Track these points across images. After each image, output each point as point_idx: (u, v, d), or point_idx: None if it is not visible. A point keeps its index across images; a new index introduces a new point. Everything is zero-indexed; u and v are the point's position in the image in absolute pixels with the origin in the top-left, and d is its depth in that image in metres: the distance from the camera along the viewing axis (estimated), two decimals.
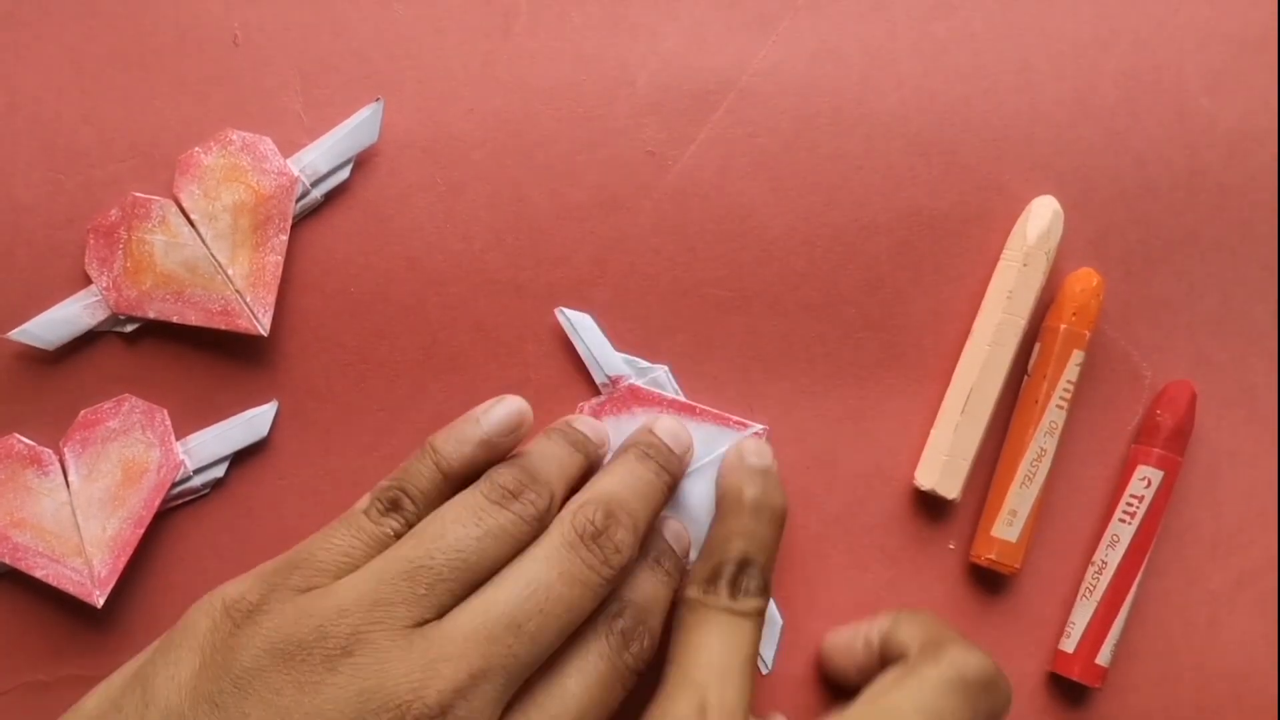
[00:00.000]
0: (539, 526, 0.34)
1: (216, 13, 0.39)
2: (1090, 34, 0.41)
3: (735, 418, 0.40)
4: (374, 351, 0.40)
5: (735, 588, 0.37)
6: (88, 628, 0.40)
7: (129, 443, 0.39)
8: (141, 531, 0.38)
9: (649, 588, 0.36)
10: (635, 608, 0.35)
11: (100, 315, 0.39)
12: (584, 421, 0.39)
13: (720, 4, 0.40)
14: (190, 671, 0.31)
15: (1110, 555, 0.41)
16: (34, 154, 0.39)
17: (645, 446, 0.37)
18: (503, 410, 0.36)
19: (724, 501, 0.38)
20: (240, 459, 0.40)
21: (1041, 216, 0.40)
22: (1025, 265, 0.40)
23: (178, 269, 0.38)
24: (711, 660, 0.35)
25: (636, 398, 0.40)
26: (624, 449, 0.38)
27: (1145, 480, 0.41)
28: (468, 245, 0.40)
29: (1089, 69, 0.41)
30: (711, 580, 0.37)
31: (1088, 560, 0.42)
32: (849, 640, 0.39)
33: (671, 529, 0.38)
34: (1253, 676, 0.42)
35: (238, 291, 0.38)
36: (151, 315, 0.38)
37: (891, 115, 0.40)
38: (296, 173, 0.39)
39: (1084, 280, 0.40)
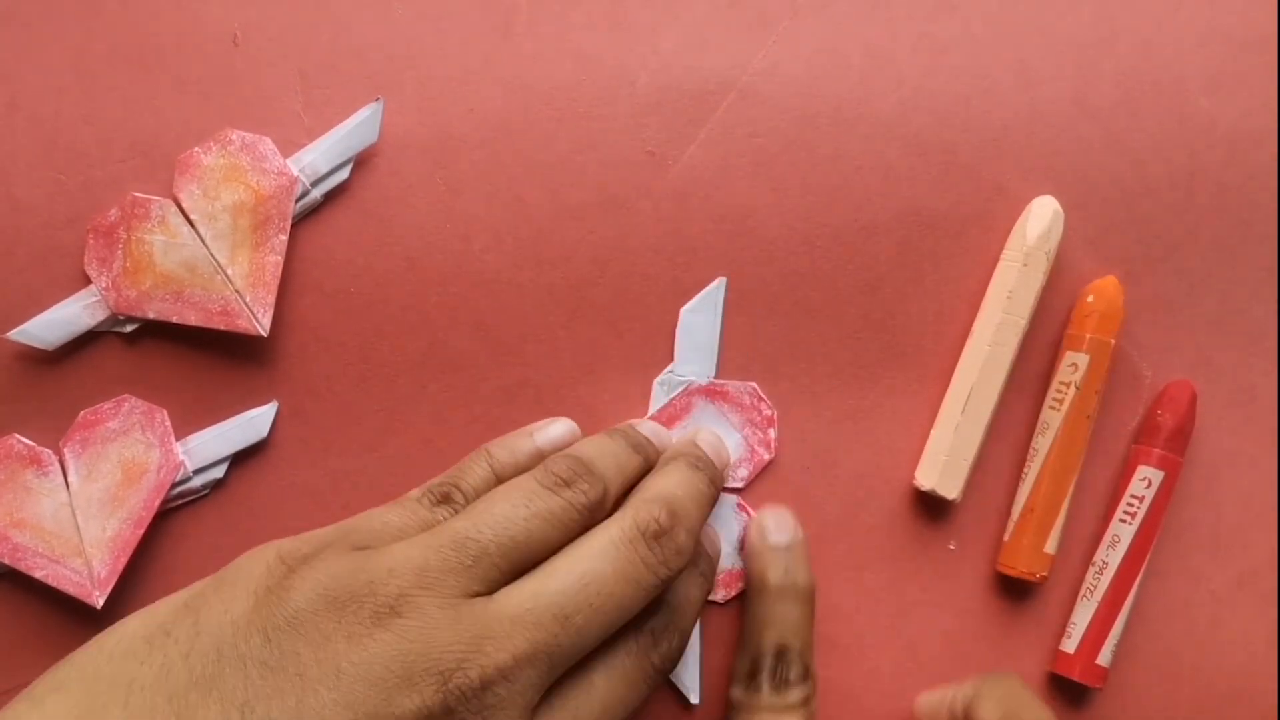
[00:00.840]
0: (590, 518, 0.34)
1: (217, 13, 0.39)
2: (1090, 34, 0.41)
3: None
4: (374, 351, 0.40)
5: (775, 679, 0.37)
6: (86, 628, 0.40)
7: (129, 443, 0.39)
8: (141, 532, 0.38)
9: (682, 589, 0.36)
10: (668, 607, 0.35)
11: (100, 315, 0.39)
12: (647, 425, 0.39)
13: (720, 4, 0.40)
14: (244, 609, 0.31)
15: (1111, 556, 0.41)
16: (34, 154, 0.39)
17: (695, 459, 0.37)
18: (556, 429, 0.39)
19: (750, 587, 0.39)
20: (240, 459, 0.40)
21: (1041, 216, 0.40)
22: (1025, 265, 0.40)
23: (177, 269, 0.38)
24: None
25: (707, 394, 0.41)
26: (673, 457, 0.38)
27: (1146, 481, 0.41)
28: (467, 245, 0.40)
29: (1088, 69, 0.41)
30: (752, 676, 0.38)
31: (1088, 560, 0.42)
32: (936, 707, 0.40)
33: (704, 533, 0.39)
34: (1253, 676, 0.42)
35: (237, 291, 0.38)
36: (151, 315, 0.38)
37: (891, 115, 0.40)
38: (296, 173, 0.39)
39: (1110, 287, 0.40)
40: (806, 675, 0.38)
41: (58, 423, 0.39)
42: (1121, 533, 0.41)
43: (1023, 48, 0.41)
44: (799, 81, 0.40)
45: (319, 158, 0.39)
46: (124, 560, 0.38)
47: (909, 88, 0.41)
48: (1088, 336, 0.40)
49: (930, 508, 0.41)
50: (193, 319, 0.38)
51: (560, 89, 0.40)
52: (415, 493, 0.35)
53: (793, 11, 0.40)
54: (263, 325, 0.38)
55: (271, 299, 0.38)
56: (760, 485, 0.41)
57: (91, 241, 0.38)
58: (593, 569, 0.32)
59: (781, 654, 0.37)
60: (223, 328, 0.38)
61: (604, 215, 0.40)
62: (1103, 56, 0.41)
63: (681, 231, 0.40)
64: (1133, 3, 0.41)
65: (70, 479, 0.39)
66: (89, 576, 0.38)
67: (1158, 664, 0.42)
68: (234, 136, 0.39)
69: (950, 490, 0.40)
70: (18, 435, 0.39)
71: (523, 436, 0.38)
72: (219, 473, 0.40)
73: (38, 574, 0.38)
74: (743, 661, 0.38)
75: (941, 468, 0.40)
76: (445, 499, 0.35)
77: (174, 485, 0.39)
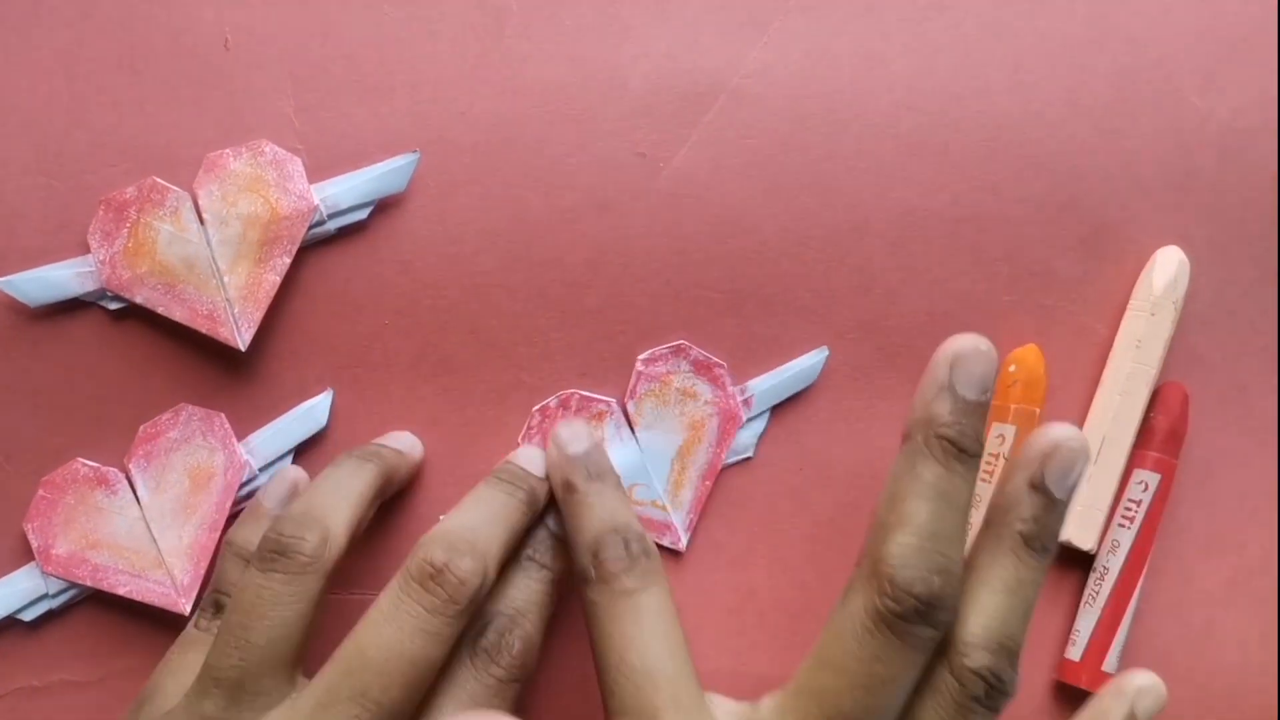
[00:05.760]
0: (319, 566, 0.33)
1: (208, 17, 0.39)
2: (1083, 33, 0.41)
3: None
4: (367, 355, 0.40)
5: (615, 560, 0.35)
6: (79, 633, 0.40)
7: (191, 450, 0.39)
8: (218, 535, 0.39)
9: (517, 591, 0.36)
10: (500, 617, 0.34)
11: (89, 286, 0.38)
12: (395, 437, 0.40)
13: (712, 6, 0.40)
14: None
15: (1111, 561, 0.41)
16: (25, 159, 0.39)
17: (496, 473, 0.37)
18: (278, 484, 0.38)
19: (560, 498, 0.37)
20: (303, 450, 0.40)
21: (1167, 266, 0.40)
22: (1153, 315, 0.40)
23: (176, 263, 0.38)
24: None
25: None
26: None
27: (1143, 484, 0.41)
28: (460, 247, 0.40)
29: (1081, 68, 0.41)
30: (592, 570, 0.35)
31: (1087, 565, 0.41)
32: None
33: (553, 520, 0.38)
34: (1250, 676, 0.42)
35: (228, 300, 0.38)
36: (138, 300, 0.38)
37: (884, 116, 0.40)
38: (317, 201, 0.39)
39: (1031, 356, 0.41)
40: (644, 551, 0.35)
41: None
42: (1121, 537, 0.41)
43: (1015, 48, 0.41)
44: (791, 83, 0.40)
45: (342, 193, 0.39)
46: (205, 565, 0.39)
47: (901, 88, 0.41)
48: (1012, 407, 0.40)
49: None
50: (178, 315, 0.38)
51: (552, 91, 0.40)
52: (192, 619, 0.36)
53: (784, 13, 0.40)
54: (243, 340, 0.38)
55: (259, 316, 0.38)
56: (753, 485, 0.41)
57: (101, 213, 0.38)
58: (375, 639, 0.31)
59: (608, 539, 0.35)
60: (204, 331, 0.38)
61: (596, 217, 0.40)
62: (1096, 56, 0.41)
63: (674, 233, 0.40)
64: (1125, 2, 0.41)
65: (140, 494, 0.39)
66: (173, 585, 0.38)
67: (1153, 664, 0.41)
68: (266, 149, 0.38)
69: (1086, 541, 0.40)
70: (82, 459, 0.39)
71: (253, 508, 0.38)
72: (284, 466, 0.40)
73: (121, 591, 0.39)
74: (580, 560, 0.35)
75: (1077, 519, 0.40)
76: (218, 609, 0.36)
77: (243, 485, 0.39)
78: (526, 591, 0.36)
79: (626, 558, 0.34)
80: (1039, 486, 0.32)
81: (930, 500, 0.31)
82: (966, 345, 0.33)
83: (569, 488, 0.36)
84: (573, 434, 0.37)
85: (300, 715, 0.31)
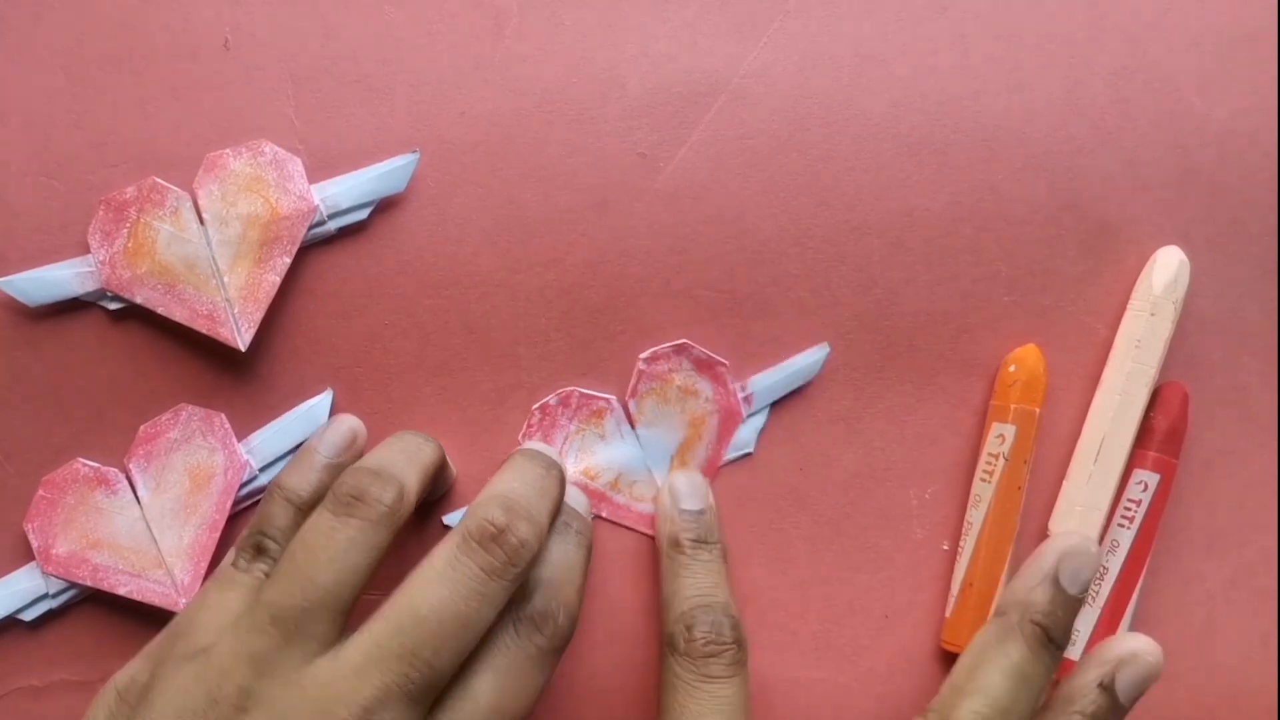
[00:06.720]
0: (393, 521, 0.33)
1: (208, 17, 0.39)
2: (1081, 33, 0.41)
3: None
4: (367, 355, 0.40)
5: (703, 645, 0.36)
6: (79, 633, 0.40)
7: (191, 450, 0.39)
8: (218, 535, 0.39)
9: (559, 559, 0.35)
10: (546, 585, 0.34)
11: (89, 286, 0.39)
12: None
13: (711, 6, 0.40)
14: None
15: (1111, 561, 0.41)
16: (26, 159, 0.39)
17: (525, 453, 0.37)
18: (335, 431, 0.38)
19: (664, 552, 0.39)
20: None
21: (1167, 266, 0.40)
22: (1153, 315, 0.40)
23: (176, 263, 0.38)
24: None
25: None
26: (506, 461, 0.37)
27: (1142, 484, 0.40)
28: (459, 248, 0.40)
29: (1080, 68, 0.41)
30: (676, 644, 0.36)
31: None
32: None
33: (569, 494, 0.38)
34: (1251, 675, 0.42)
35: (228, 300, 0.38)
36: (138, 300, 0.38)
37: (882, 116, 0.40)
38: (317, 201, 0.39)
39: (1032, 356, 0.40)
40: (736, 640, 0.36)
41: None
42: (1120, 537, 0.41)
43: (1014, 47, 0.41)
44: (790, 83, 0.40)
45: (342, 193, 0.39)
46: (205, 564, 0.39)
47: (900, 88, 0.41)
48: (1013, 407, 0.40)
49: (923, 511, 0.41)
50: (178, 315, 0.38)
51: (552, 91, 0.40)
52: (229, 557, 0.35)
53: (783, 13, 0.40)
54: (244, 340, 0.38)
55: (259, 316, 0.38)
56: (753, 485, 0.41)
57: (101, 213, 0.38)
58: (429, 598, 0.31)
59: (703, 617, 0.36)
60: (204, 331, 0.38)
61: (596, 217, 0.40)
62: (1094, 56, 0.41)
63: (673, 233, 0.40)
64: (1125, 1, 0.41)
65: (140, 494, 0.39)
66: (173, 585, 0.39)
67: None
68: (266, 149, 0.39)
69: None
70: (82, 459, 0.39)
71: (308, 453, 0.37)
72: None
73: (121, 591, 0.39)
74: (671, 625, 0.36)
75: (1078, 518, 0.40)
76: (259, 551, 0.35)
77: (243, 485, 0.39)
78: (565, 556, 0.36)
79: (720, 642, 0.35)
80: (1108, 688, 0.35)
81: (1010, 678, 0.34)
82: (1077, 544, 0.35)
83: (676, 544, 0.37)
84: (691, 488, 0.39)
85: (349, 667, 0.30)
